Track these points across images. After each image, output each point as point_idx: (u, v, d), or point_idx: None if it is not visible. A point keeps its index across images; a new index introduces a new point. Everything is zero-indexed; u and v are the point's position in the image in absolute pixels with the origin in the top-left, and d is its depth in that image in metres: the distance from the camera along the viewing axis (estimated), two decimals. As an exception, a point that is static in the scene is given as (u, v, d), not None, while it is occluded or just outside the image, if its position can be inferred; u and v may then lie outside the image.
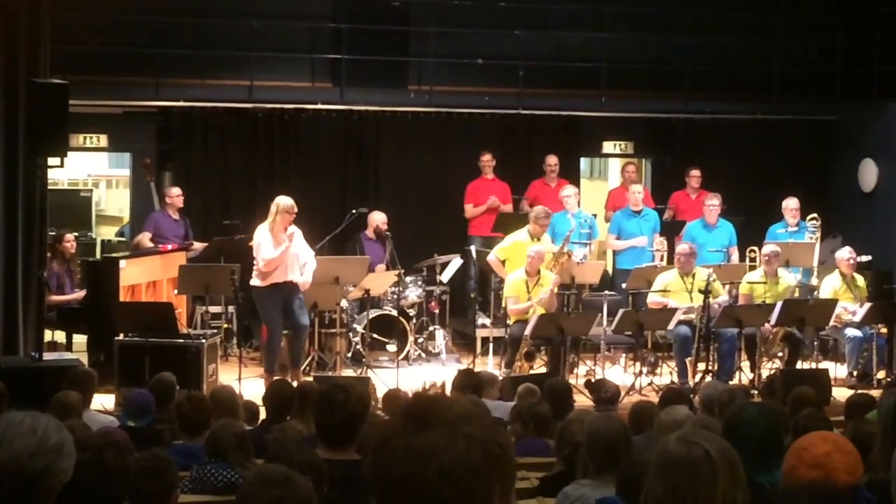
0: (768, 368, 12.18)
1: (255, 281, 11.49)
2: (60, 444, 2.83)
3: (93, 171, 19.05)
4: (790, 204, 13.67)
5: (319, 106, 14.66)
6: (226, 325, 12.97)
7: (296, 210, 11.34)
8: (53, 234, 12.48)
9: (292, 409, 7.17)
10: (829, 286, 12.62)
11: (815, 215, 13.75)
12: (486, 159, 14.30)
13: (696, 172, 14.59)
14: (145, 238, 13.07)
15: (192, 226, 13.49)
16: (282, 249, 11.16)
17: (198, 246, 13.13)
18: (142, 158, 14.31)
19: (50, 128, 10.62)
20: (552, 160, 14.45)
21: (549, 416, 6.98)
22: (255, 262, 11.50)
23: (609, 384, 9.23)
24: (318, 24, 14.89)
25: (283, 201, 11.36)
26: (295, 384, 8.62)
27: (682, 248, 12.26)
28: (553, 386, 8.26)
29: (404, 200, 15.00)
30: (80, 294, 12.16)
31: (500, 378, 10.15)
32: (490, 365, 12.53)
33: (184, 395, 7.02)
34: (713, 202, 13.46)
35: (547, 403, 7.27)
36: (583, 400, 10.19)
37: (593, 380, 11.09)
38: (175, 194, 13.28)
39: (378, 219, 13.47)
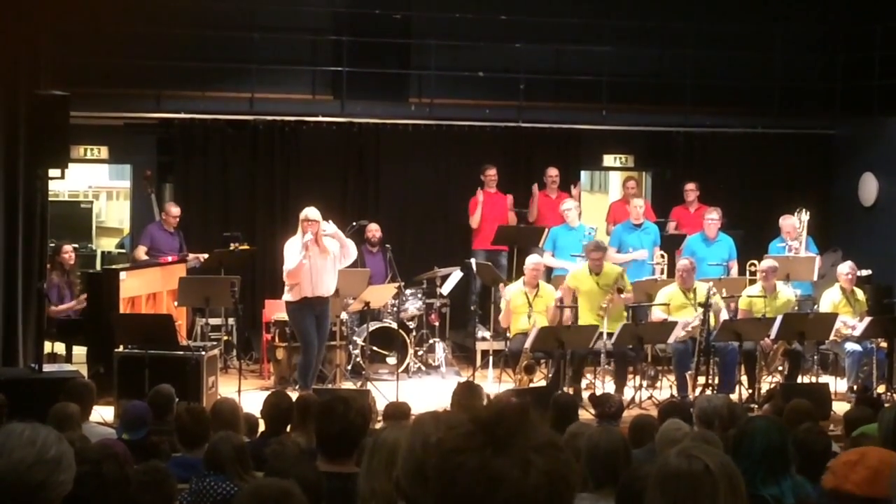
0: (768, 382, 12.16)
1: (286, 296, 11.36)
2: (59, 457, 2.82)
3: (93, 182, 19.06)
4: (785, 225, 13.63)
5: (320, 118, 14.68)
6: (226, 338, 12.97)
7: (311, 217, 11.11)
8: (53, 245, 12.48)
9: (290, 421, 7.15)
10: (829, 300, 12.61)
11: (801, 209, 13.64)
12: (491, 174, 14.25)
13: (691, 186, 14.59)
14: (141, 251, 13.07)
15: (191, 238, 13.48)
16: (298, 260, 11.03)
17: (192, 257, 13.07)
18: (142, 170, 14.31)
19: (51, 139, 10.62)
20: (552, 172, 14.45)
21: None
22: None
23: (614, 399, 9.15)
24: (319, 36, 14.92)
25: (302, 212, 11.27)
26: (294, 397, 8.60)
27: (682, 263, 12.23)
28: (558, 400, 8.26)
29: (404, 213, 15.01)
30: (81, 299, 12.15)
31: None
32: (490, 378, 12.53)
33: (183, 408, 7.00)
34: (713, 216, 13.46)
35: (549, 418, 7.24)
36: (581, 413, 10.18)
37: (597, 393, 11.04)
38: (174, 214, 13.25)
39: (370, 228, 13.52)
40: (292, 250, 11.16)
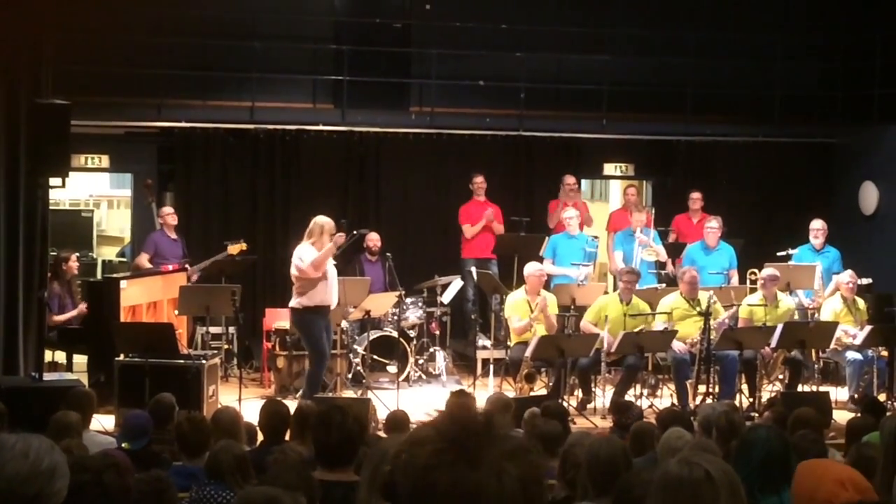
0: (769, 391, 12.15)
1: (297, 302, 11.05)
2: (53, 467, 2.81)
3: (94, 191, 19.09)
4: (816, 226, 13.68)
5: (321, 127, 14.69)
6: (226, 346, 12.97)
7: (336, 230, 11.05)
8: (55, 254, 12.50)
9: (287, 429, 7.15)
10: (830, 308, 12.60)
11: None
12: (479, 181, 14.29)
13: (696, 195, 14.58)
14: (144, 259, 13.07)
15: (192, 246, 13.49)
16: (325, 249, 10.79)
17: (193, 276, 12.99)
18: (143, 179, 14.31)
19: (52, 148, 10.63)
20: (570, 179, 14.41)
21: (560, 434, 6.84)
22: (294, 285, 11.12)
23: (634, 411, 9.00)
24: (319, 45, 14.94)
25: (328, 222, 11.01)
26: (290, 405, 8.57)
27: (691, 273, 12.19)
28: (549, 409, 8.23)
29: (405, 222, 15.01)
30: (81, 308, 12.13)
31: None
32: (490, 387, 12.51)
33: (183, 416, 6.99)
34: (713, 225, 13.45)
35: (556, 421, 7.22)
36: (582, 422, 10.18)
37: (620, 400, 10.88)
38: (167, 213, 13.28)
39: (370, 237, 13.51)
40: (308, 250, 10.95)
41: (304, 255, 10.96)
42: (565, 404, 10.47)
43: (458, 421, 1.94)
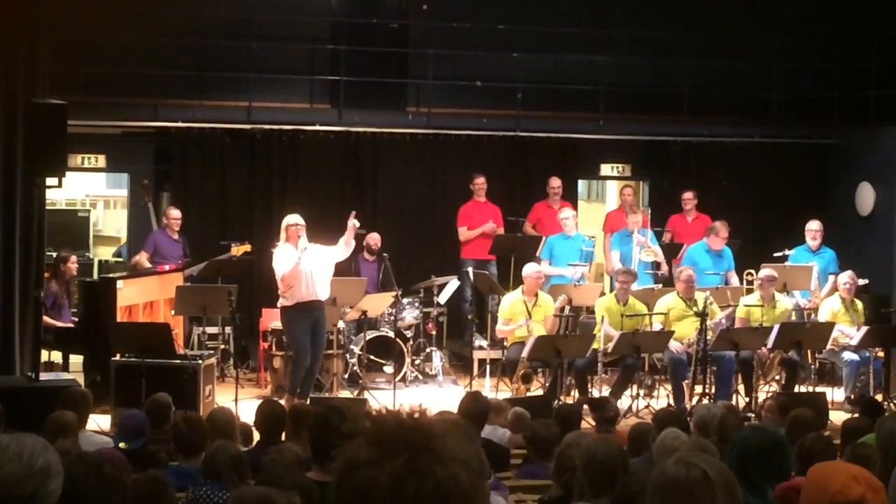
0: (765, 392, 12.15)
1: (281, 301, 11.31)
2: (47, 467, 2.81)
3: (91, 191, 19.05)
4: (812, 226, 13.67)
5: (318, 127, 14.68)
6: (223, 346, 12.95)
7: (301, 223, 11.10)
8: (55, 254, 12.48)
9: (284, 429, 7.15)
10: (829, 309, 12.61)
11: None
12: (480, 182, 14.27)
13: (688, 195, 14.57)
14: (143, 258, 13.07)
15: (189, 246, 13.47)
16: (293, 263, 10.97)
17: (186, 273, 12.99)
18: (140, 179, 14.31)
19: (48, 148, 10.62)
20: (555, 182, 14.42)
21: (555, 436, 6.84)
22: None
23: (612, 404, 9.17)
24: (316, 45, 14.92)
25: (287, 217, 11.24)
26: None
27: (688, 273, 12.17)
28: (561, 410, 8.25)
29: (402, 222, 15.00)
30: (70, 323, 12.13)
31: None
32: (487, 387, 12.51)
33: (180, 416, 6.99)
34: (723, 235, 13.32)
35: (556, 425, 7.23)
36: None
37: (597, 396, 10.99)
38: (174, 217, 13.27)
39: (371, 236, 13.50)
40: (283, 256, 11.11)
41: (276, 265, 11.16)
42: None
43: (406, 426, 1.94)
